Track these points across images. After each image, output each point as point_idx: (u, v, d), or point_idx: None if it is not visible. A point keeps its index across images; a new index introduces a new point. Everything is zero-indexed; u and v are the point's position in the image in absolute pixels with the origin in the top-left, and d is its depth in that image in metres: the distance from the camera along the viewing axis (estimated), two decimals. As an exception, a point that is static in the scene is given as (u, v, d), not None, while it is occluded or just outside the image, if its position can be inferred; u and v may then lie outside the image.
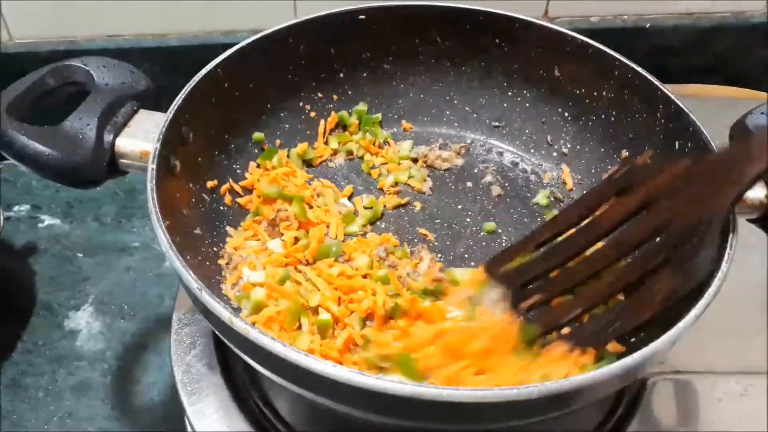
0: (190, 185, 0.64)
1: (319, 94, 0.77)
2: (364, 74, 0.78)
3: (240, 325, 0.47)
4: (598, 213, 0.58)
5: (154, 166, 0.56)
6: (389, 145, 0.78)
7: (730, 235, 0.54)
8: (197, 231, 0.63)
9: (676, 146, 0.65)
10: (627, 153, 0.71)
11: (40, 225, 0.91)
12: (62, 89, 0.63)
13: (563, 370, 0.51)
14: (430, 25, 0.76)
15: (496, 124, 0.79)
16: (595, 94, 0.73)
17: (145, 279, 0.86)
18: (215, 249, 0.65)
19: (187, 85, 0.63)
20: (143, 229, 0.91)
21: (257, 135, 0.73)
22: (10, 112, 0.58)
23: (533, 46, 0.74)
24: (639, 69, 0.68)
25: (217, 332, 0.53)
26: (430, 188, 0.75)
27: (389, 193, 0.74)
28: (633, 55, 0.70)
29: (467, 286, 0.60)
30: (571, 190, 0.75)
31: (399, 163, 0.76)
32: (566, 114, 0.76)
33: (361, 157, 0.77)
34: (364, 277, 0.62)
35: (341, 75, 0.78)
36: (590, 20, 0.99)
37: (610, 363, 0.47)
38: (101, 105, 0.60)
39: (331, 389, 0.47)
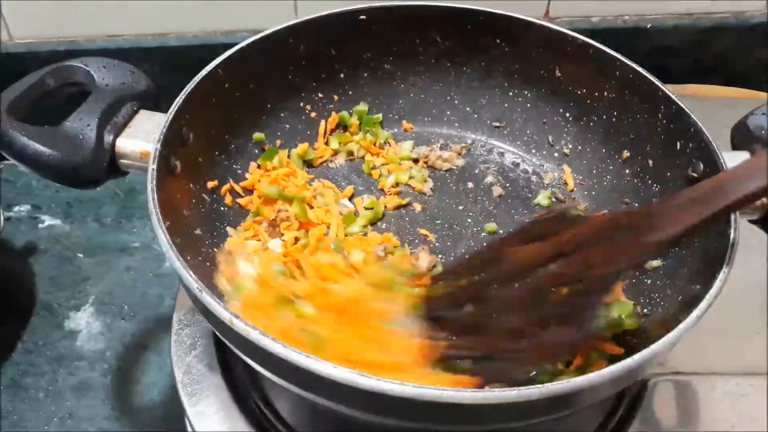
0: (191, 186, 0.64)
1: (320, 95, 0.77)
2: (365, 74, 0.78)
3: (240, 325, 0.47)
4: (514, 254, 0.57)
5: (155, 167, 0.56)
6: (390, 145, 0.78)
7: (732, 237, 0.54)
8: (197, 231, 0.63)
9: (678, 147, 0.65)
10: (628, 153, 0.71)
11: (40, 225, 0.91)
12: (62, 89, 0.63)
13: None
14: (431, 25, 0.76)
15: (497, 124, 0.79)
16: (596, 94, 0.73)
17: (146, 279, 0.86)
18: (215, 249, 0.65)
19: (188, 86, 0.63)
20: (143, 229, 0.91)
21: (258, 135, 0.73)
22: (11, 113, 0.58)
23: (534, 46, 0.74)
24: (640, 69, 0.68)
25: (217, 333, 0.53)
26: (431, 189, 0.75)
27: (390, 194, 0.73)
28: (633, 56, 0.70)
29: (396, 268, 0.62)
30: (572, 190, 0.75)
31: (400, 164, 0.76)
32: (567, 114, 0.76)
33: (362, 158, 0.77)
34: None
35: (342, 75, 0.77)
36: (591, 20, 0.99)
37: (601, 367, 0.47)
38: (101, 105, 0.60)
39: (331, 390, 0.47)
